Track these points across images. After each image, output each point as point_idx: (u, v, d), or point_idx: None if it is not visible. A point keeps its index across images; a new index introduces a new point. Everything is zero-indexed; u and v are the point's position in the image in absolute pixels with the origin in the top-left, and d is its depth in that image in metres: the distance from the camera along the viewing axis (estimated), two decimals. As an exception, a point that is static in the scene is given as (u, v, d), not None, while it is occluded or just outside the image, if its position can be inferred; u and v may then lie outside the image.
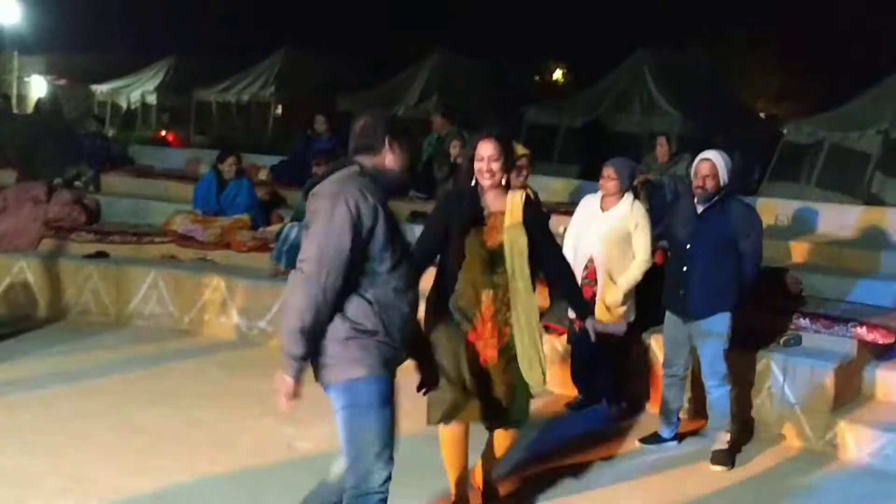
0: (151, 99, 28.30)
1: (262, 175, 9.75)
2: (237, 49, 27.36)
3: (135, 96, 28.92)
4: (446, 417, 3.97)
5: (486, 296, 4.02)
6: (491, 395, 4.03)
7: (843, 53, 27.00)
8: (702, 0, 29.09)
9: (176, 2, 32.13)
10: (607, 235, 5.52)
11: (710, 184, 4.96)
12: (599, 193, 5.67)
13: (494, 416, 4.06)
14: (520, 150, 5.87)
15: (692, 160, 8.02)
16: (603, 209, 5.60)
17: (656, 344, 5.94)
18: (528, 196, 4.15)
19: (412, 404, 3.88)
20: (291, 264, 7.41)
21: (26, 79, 31.57)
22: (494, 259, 4.01)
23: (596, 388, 6.01)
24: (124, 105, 29.36)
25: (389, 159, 3.33)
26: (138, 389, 5.93)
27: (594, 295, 5.54)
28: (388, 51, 27.24)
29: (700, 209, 5.04)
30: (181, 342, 7.13)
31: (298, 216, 7.85)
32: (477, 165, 4.01)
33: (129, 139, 18.23)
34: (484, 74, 22.27)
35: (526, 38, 29.97)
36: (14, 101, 20.73)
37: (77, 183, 9.16)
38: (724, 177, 4.97)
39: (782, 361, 5.58)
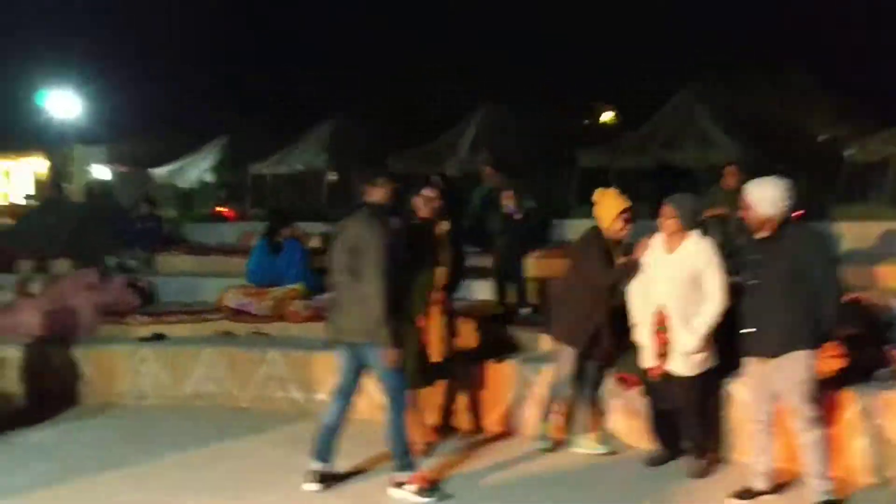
0: (208, 177, 28.78)
1: (315, 242, 9.61)
2: (287, 122, 27.74)
3: (192, 176, 29.46)
4: None
5: None
6: None
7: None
8: (745, 29, 28.72)
9: (227, 83, 32.88)
10: (675, 278, 5.17)
11: (749, 215, 4.69)
12: (661, 234, 5.34)
13: None
14: (624, 202, 5.60)
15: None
16: (668, 250, 5.26)
17: (740, 388, 5.52)
18: None
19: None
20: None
21: (88, 168, 32.46)
22: None
23: (676, 440, 5.61)
24: (183, 186, 29.91)
25: None
26: (197, 476, 5.70)
27: (667, 343, 5.17)
28: (435, 108, 27.31)
29: (756, 241, 4.72)
30: (240, 421, 6.91)
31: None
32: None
33: (188, 218, 18.46)
34: (532, 123, 22.14)
35: (571, 84, 29.82)
36: (79, 190, 21.32)
37: (131, 265, 9.14)
38: (765, 206, 4.63)
39: (881, 398, 5.11)
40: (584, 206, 10.50)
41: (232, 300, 7.91)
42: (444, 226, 5.81)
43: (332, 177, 24.83)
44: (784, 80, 27.40)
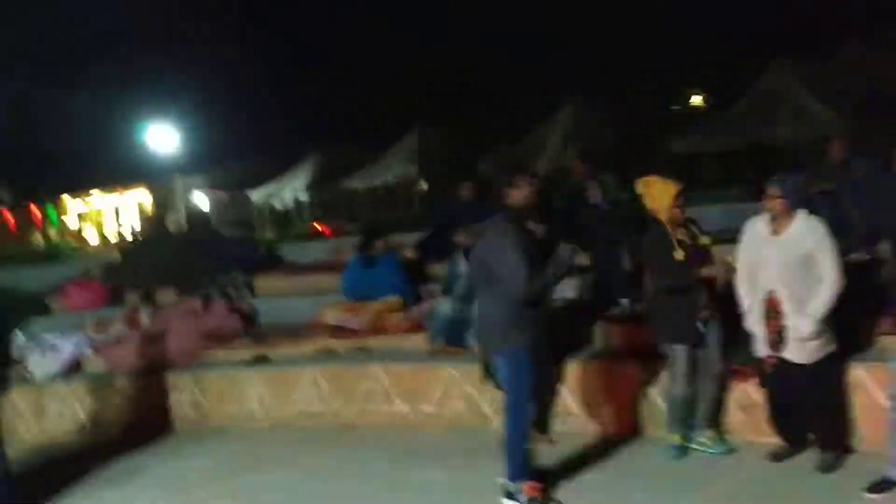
0: (303, 196, 29.34)
1: (409, 253, 9.56)
2: (375, 135, 28.03)
3: (288, 196, 30.06)
4: None
5: None
6: None
7: None
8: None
9: (314, 99, 33.46)
10: (785, 261, 4.88)
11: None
12: (766, 215, 5.06)
13: None
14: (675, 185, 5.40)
15: (870, 160, 7.34)
16: (775, 233, 4.98)
17: (867, 374, 5.18)
18: None
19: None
20: (449, 341, 7.22)
21: (189, 197, 33.50)
22: None
23: (800, 432, 5.31)
24: (279, 206, 30.56)
25: None
26: (307, 496, 5.71)
27: (781, 329, 4.90)
28: (521, 108, 27.14)
29: None
30: (347, 438, 6.91)
31: (448, 289, 7.57)
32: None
33: (284, 238, 18.77)
34: (620, 113, 21.71)
35: (657, 71, 29.18)
36: (182, 218, 22.05)
37: (231, 290, 9.27)
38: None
39: None
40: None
41: (331, 317, 7.92)
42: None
43: (423, 186, 24.97)
44: (879, 43, 26.15)
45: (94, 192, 39.79)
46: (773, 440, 5.41)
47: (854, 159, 7.27)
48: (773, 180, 5.02)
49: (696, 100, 35.61)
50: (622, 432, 6.12)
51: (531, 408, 5.10)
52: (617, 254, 7.34)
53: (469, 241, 7.52)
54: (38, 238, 32.15)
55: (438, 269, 8.76)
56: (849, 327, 5.09)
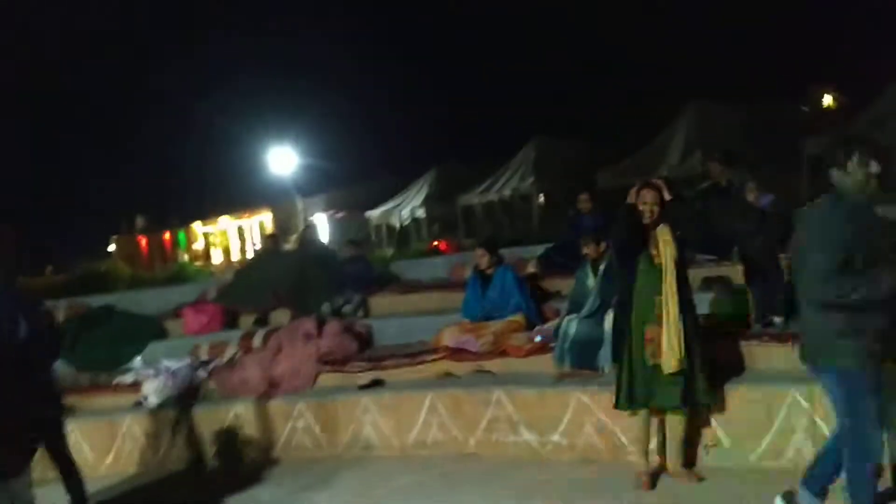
0: (420, 213, 29.25)
1: (531, 267, 9.02)
2: (493, 149, 27.71)
3: (405, 213, 30.04)
4: None
5: None
6: None
7: None
8: None
9: (430, 118, 33.44)
10: None
11: None
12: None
13: None
14: None
15: None
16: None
17: None
18: None
19: None
20: (578, 363, 6.59)
21: (311, 218, 34.00)
22: None
23: None
24: (397, 224, 30.57)
25: None
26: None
27: None
28: (640, 115, 26.25)
29: None
30: (469, 468, 6.38)
31: (575, 306, 6.97)
32: None
33: (404, 255, 18.52)
34: (746, 115, 20.57)
35: (786, 69, 27.76)
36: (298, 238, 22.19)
37: (345, 310, 8.93)
38: None
39: None
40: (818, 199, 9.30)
41: (449, 338, 7.43)
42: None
43: (541, 199, 24.38)
44: None
45: (224, 217, 41.13)
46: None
47: None
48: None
49: (828, 100, 33.76)
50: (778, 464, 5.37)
51: (876, 437, 4.02)
52: (779, 263, 6.54)
53: (596, 253, 6.94)
54: (167, 262, 33.26)
55: (563, 284, 8.19)
56: None
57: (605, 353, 6.52)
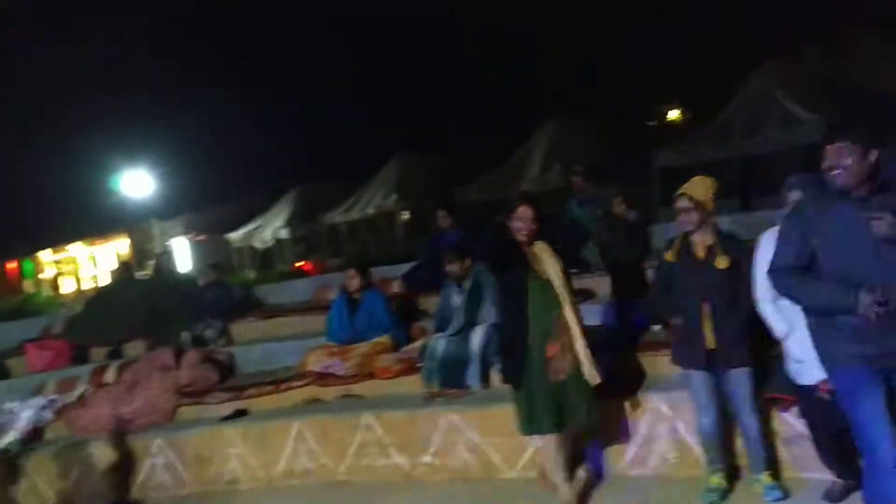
0: (283, 234, 28.70)
1: (395, 287, 8.90)
2: (355, 167, 27.53)
3: (267, 235, 29.41)
4: None
5: None
6: None
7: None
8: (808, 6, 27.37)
9: (290, 137, 32.96)
10: None
11: None
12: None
13: None
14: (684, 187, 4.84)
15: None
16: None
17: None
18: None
19: None
20: (446, 383, 6.51)
21: (168, 243, 32.80)
22: None
23: (854, 465, 4.65)
24: (260, 246, 29.89)
25: None
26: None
27: None
28: (501, 130, 26.74)
29: None
30: (341, 495, 6.20)
31: (442, 324, 6.91)
32: None
33: (267, 278, 18.05)
34: (600, 131, 21.31)
35: (631, 87, 28.91)
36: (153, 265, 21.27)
37: (206, 338, 8.55)
38: None
39: None
40: (668, 209, 9.67)
41: (315, 363, 7.22)
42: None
43: (404, 216, 24.39)
44: (860, 47, 25.98)
45: (76, 244, 39.09)
46: (824, 476, 4.75)
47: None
48: (793, 183, 4.41)
49: (673, 114, 35.41)
50: (647, 471, 5.45)
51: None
52: (643, 273, 6.68)
53: (460, 269, 6.90)
54: (13, 294, 31.30)
55: (429, 303, 8.13)
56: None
57: (473, 372, 6.49)
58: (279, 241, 29.05)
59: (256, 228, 30.14)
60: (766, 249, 4.42)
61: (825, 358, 3.76)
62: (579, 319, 4.91)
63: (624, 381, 5.65)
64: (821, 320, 3.69)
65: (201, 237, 32.75)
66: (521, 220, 4.86)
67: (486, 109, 30.11)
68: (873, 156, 3.52)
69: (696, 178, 4.91)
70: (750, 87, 18.39)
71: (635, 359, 5.95)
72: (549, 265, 4.88)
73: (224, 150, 32.80)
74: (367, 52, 32.85)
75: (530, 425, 4.94)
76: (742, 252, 4.76)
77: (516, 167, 21.29)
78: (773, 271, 3.79)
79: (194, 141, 32.02)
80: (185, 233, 33.45)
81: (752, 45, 23.26)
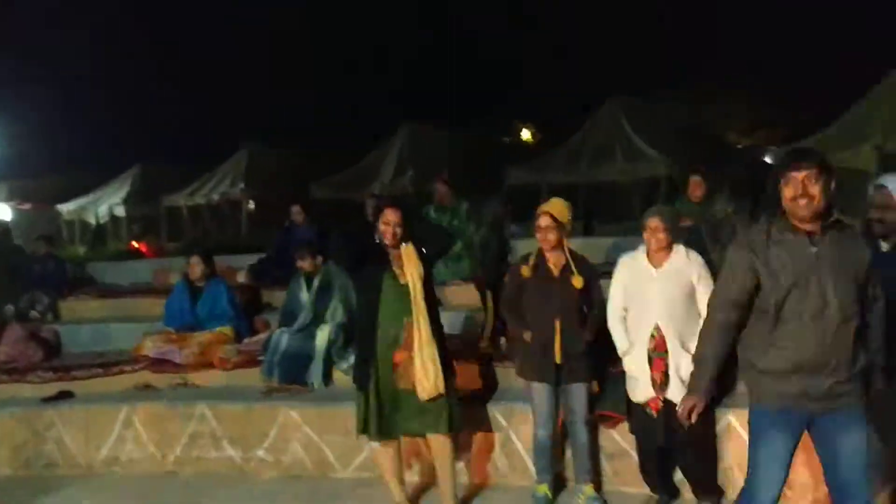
0: (120, 211, 27.40)
1: (241, 277, 8.74)
2: (202, 152, 26.71)
3: (102, 211, 28.02)
4: None
5: None
6: None
7: (809, 81, 26.91)
8: (661, 46, 28.98)
9: (136, 113, 31.55)
10: (670, 295, 4.56)
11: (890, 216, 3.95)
12: (641, 250, 4.72)
13: None
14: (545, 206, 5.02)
15: (729, 199, 7.26)
16: (655, 266, 4.64)
17: (738, 420, 4.92)
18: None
19: None
20: (287, 378, 6.46)
21: (-2, 212, 30.69)
22: None
23: (671, 481, 5.00)
24: (93, 221, 28.44)
25: None
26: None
27: (667, 369, 4.56)
28: (355, 131, 26.67)
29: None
30: (167, 487, 6.01)
31: (287, 319, 6.86)
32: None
33: (99, 256, 17.24)
34: (454, 142, 21.68)
35: (490, 103, 29.58)
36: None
37: (32, 313, 8.09)
38: None
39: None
40: (518, 225, 10.00)
41: (151, 349, 6.98)
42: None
43: (251, 207, 23.88)
44: (698, 92, 27.75)
45: None
46: (642, 490, 5.06)
47: (714, 200, 7.16)
48: (655, 213, 4.69)
49: (526, 134, 36.46)
50: (484, 481, 5.62)
51: None
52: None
53: (311, 266, 6.88)
54: None
55: (274, 296, 8.04)
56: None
57: (315, 369, 6.48)
58: (114, 219, 27.74)
59: (91, 202, 28.67)
60: (622, 270, 4.79)
61: (749, 390, 3.60)
62: (435, 330, 4.82)
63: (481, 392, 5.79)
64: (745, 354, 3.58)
65: (26, 206, 30.83)
66: (387, 222, 4.79)
67: (341, 110, 29.94)
68: (834, 187, 3.36)
69: (555, 199, 5.08)
70: (600, 118, 19.22)
71: (479, 369, 6.11)
72: (411, 269, 4.80)
73: (62, 118, 31.00)
74: (225, 35, 31.95)
75: (364, 426, 4.89)
76: (592, 273, 4.99)
77: (369, 170, 21.30)
78: (715, 303, 3.61)
79: (27, 102, 30.05)
80: (9, 199, 31.40)
81: (607, 78, 24.37)
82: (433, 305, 4.90)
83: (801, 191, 3.30)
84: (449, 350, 4.98)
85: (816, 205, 3.31)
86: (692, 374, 3.72)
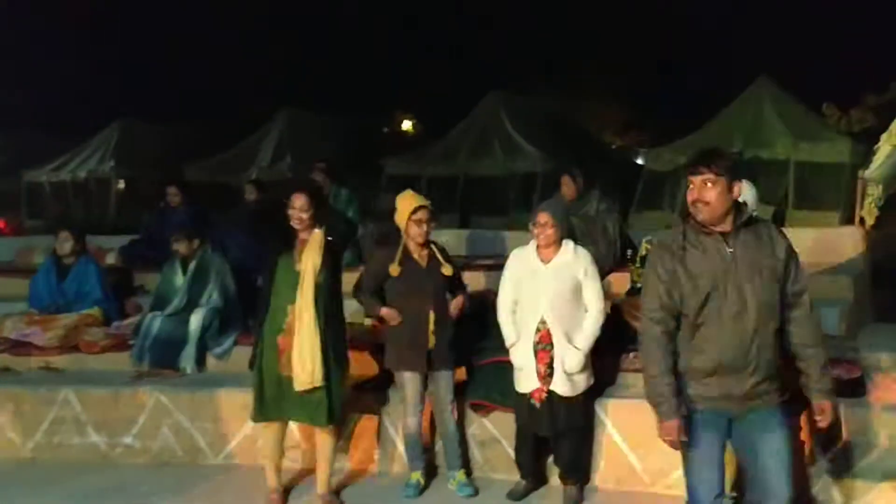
0: (-28, 184, 25.84)
1: (111, 259, 8.46)
2: (69, 123, 25.48)
3: (-48, 183, 26.36)
4: None
5: None
6: None
7: (680, 83, 28.03)
8: (541, 43, 29.61)
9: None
10: (557, 291, 4.72)
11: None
12: (532, 244, 4.87)
13: None
14: (416, 201, 5.08)
15: (601, 198, 7.51)
16: (543, 261, 4.80)
17: (606, 410, 5.17)
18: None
19: None
20: (158, 362, 6.32)
21: None
22: None
23: (540, 468, 5.19)
24: (-58, 195, 26.72)
25: None
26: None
27: (552, 361, 4.73)
28: (232, 114, 26.06)
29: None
30: (25, 475, 5.78)
31: (160, 302, 6.70)
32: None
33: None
34: (334, 129, 21.54)
35: (371, 91, 29.44)
36: None
37: None
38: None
39: None
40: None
41: (11, 330, 6.68)
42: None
43: (120, 185, 22.99)
44: (575, 90, 28.53)
45: None
46: (511, 477, 5.22)
47: (590, 196, 7.37)
48: (543, 206, 4.86)
49: (407, 125, 36.54)
50: (360, 468, 5.66)
51: None
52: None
53: (188, 249, 6.73)
54: None
55: (147, 279, 7.83)
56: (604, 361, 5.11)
57: (188, 353, 6.37)
58: (-33, 192, 26.15)
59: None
60: (512, 263, 4.94)
61: (686, 394, 3.49)
62: (327, 320, 4.78)
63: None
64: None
65: None
66: (293, 207, 4.77)
67: (219, 91, 29.13)
68: (737, 189, 3.39)
69: (411, 192, 5.24)
70: (479, 111, 19.50)
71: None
72: (310, 257, 4.78)
73: None
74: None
75: (255, 413, 4.93)
76: (453, 260, 5.24)
77: (247, 153, 20.91)
78: (648, 316, 3.50)
79: None
80: None
81: (488, 73, 24.70)
82: (335, 295, 4.90)
83: (696, 195, 3.34)
84: (346, 340, 5.03)
85: (712, 209, 3.33)
86: (652, 401, 3.47)
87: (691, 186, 3.37)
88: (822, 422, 3.53)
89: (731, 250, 3.38)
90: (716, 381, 3.42)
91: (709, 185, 3.33)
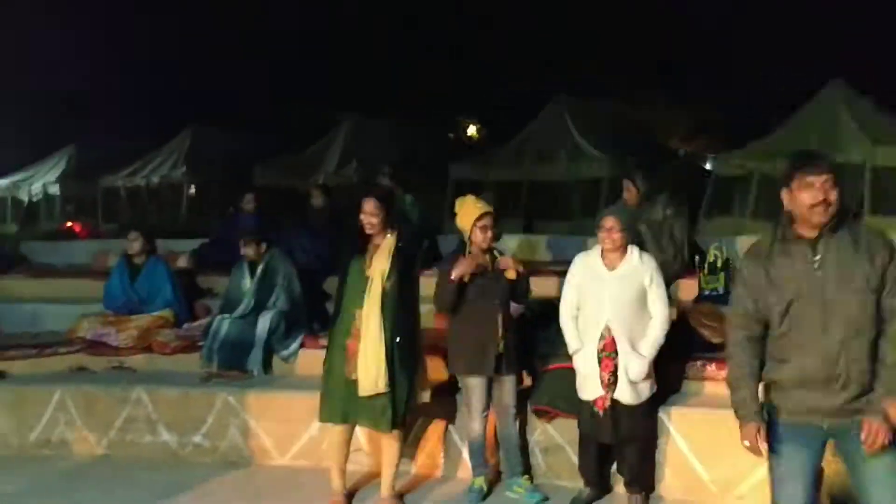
0: (54, 190, 26.72)
1: (182, 262, 8.65)
2: (143, 131, 26.18)
3: (36, 188, 27.30)
4: None
5: None
6: None
7: (749, 87, 27.53)
8: (604, 50, 29.36)
9: (73, 91, 30.69)
10: (621, 297, 4.67)
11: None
12: (596, 250, 4.83)
13: None
14: (481, 207, 5.06)
15: (668, 203, 7.36)
16: (608, 267, 4.76)
17: (670, 420, 5.09)
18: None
19: None
20: (227, 364, 6.45)
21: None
22: None
23: (605, 476, 5.14)
24: (25, 199, 27.68)
25: None
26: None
27: (615, 369, 4.67)
28: (299, 120, 26.45)
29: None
30: (97, 470, 5.94)
31: (229, 305, 6.83)
32: None
33: (31, 235, 16.86)
34: (399, 135, 21.67)
35: (436, 98, 29.55)
36: None
37: (-37, 291, 7.91)
38: None
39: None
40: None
41: (87, 330, 6.89)
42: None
43: (192, 190, 23.51)
44: (641, 98, 28.21)
45: None
46: (575, 484, 5.18)
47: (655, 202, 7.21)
48: (609, 212, 4.82)
49: (472, 130, 36.60)
50: (425, 472, 5.68)
51: None
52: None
53: (256, 254, 6.84)
54: None
55: (216, 282, 7.99)
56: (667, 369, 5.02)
57: (255, 356, 6.48)
58: (48, 197, 27.04)
59: (24, 180, 27.90)
60: (576, 269, 4.89)
61: (772, 404, 3.38)
62: (397, 326, 4.76)
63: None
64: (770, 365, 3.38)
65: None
66: (362, 212, 4.82)
67: (287, 98, 29.57)
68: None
69: (473, 197, 5.24)
70: (544, 116, 19.45)
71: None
72: (379, 262, 4.80)
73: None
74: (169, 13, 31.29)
75: (324, 414, 4.97)
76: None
77: (314, 158, 21.20)
78: (734, 321, 3.44)
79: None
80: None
81: (553, 78, 24.59)
82: (406, 301, 4.87)
83: (821, 197, 3.15)
84: (420, 347, 5.02)
85: (833, 210, 3.17)
86: (734, 405, 3.39)
87: (813, 187, 3.16)
88: (871, 444, 3.14)
89: (818, 257, 3.21)
90: (802, 394, 3.26)
91: (829, 184, 3.16)
